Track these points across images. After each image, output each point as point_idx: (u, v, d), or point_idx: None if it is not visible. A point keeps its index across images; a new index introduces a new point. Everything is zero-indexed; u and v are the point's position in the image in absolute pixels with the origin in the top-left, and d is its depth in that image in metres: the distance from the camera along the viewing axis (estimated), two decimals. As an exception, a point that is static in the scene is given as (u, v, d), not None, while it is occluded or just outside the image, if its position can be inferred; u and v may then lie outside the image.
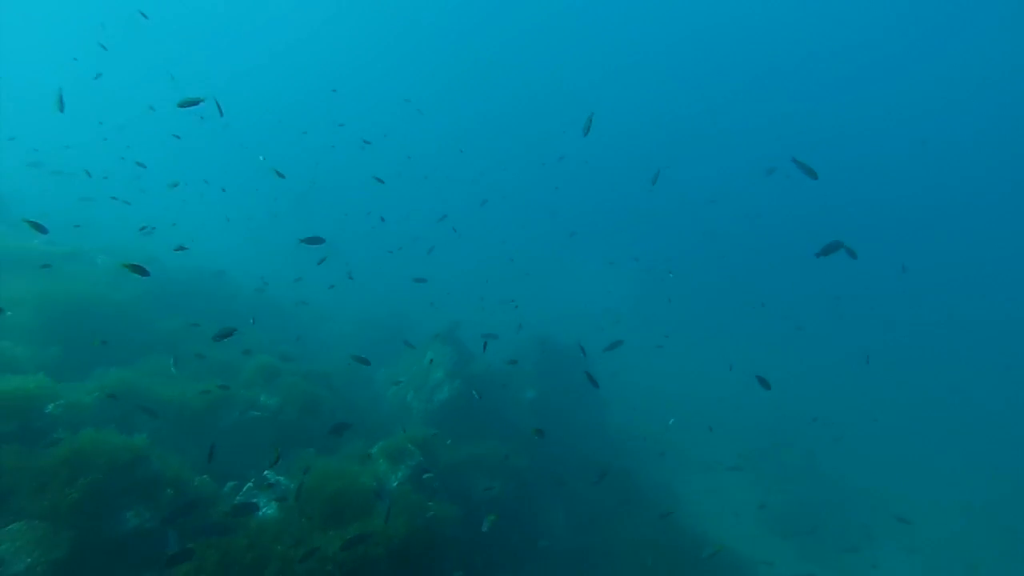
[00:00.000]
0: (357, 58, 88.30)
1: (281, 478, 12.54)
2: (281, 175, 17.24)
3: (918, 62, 60.65)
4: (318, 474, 11.85)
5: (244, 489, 11.95)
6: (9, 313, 15.01)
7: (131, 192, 30.59)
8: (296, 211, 60.89)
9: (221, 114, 13.90)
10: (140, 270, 9.93)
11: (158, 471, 9.96)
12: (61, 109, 13.50)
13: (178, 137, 28.36)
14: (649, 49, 71.87)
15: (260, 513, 10.91)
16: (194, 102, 11.82)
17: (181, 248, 14.76)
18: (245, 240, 48.55)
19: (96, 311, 16.78)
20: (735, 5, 62.92)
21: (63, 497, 8.60)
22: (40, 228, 10.26)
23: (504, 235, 65.10)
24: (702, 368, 43.21)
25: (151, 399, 13.46)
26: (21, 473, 9.02)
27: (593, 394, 28.39)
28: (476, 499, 15.94)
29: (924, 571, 25.64)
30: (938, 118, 66.27)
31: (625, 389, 33.20)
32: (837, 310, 66.50)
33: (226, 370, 16.93)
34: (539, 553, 17.59)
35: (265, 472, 12.49)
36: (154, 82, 68.52)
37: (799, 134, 73.31)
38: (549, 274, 63.21)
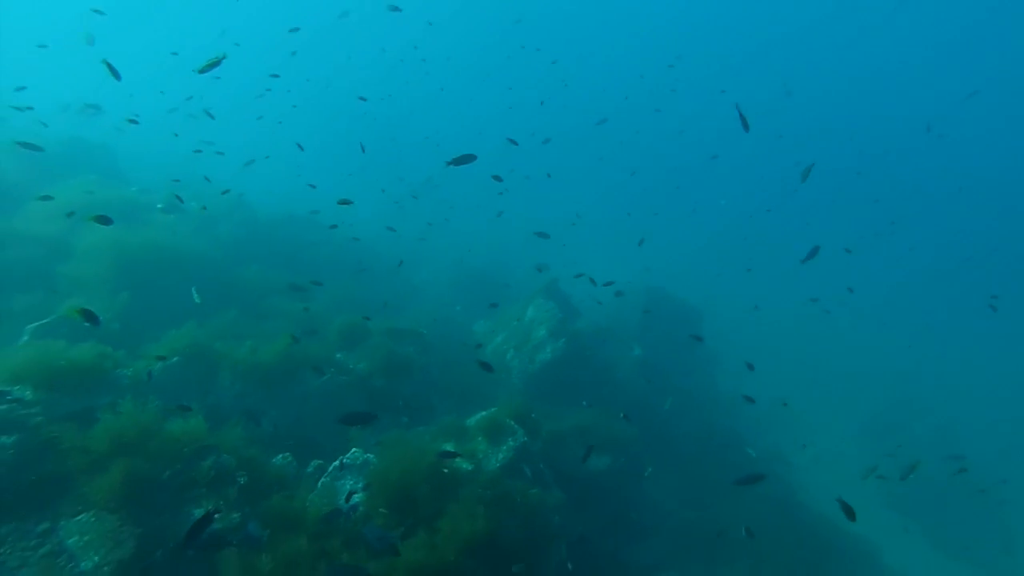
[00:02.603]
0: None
1: (370, 456, 11.13)
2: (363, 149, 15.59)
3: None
4: (399, 455, 10.23)
5: (329, 470, 10.63)
6: (84, 266, 14.34)
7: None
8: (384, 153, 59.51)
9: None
10: (104, 220, 9.15)
11: (227, 457, 8.61)
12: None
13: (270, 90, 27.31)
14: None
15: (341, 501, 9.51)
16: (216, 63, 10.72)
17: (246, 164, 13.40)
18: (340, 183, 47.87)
19: (176, 260, 15.88)
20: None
21: (105, 487, 7.41)
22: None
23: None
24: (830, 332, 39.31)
25: (226, 362, 12.34)
26: (75, 455, 7.92)
27: (701, 351, 26.00)
28: (582, 476, 14.22)
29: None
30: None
31: (736, 348, 30.28)
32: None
33: (311, 328, 15.74)
34: (649, 531, 15.86)
35: (353, 449, 11.12)
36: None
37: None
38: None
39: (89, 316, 8.74)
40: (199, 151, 23.80)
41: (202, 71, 10.90)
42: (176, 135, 15.50)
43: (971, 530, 23.79)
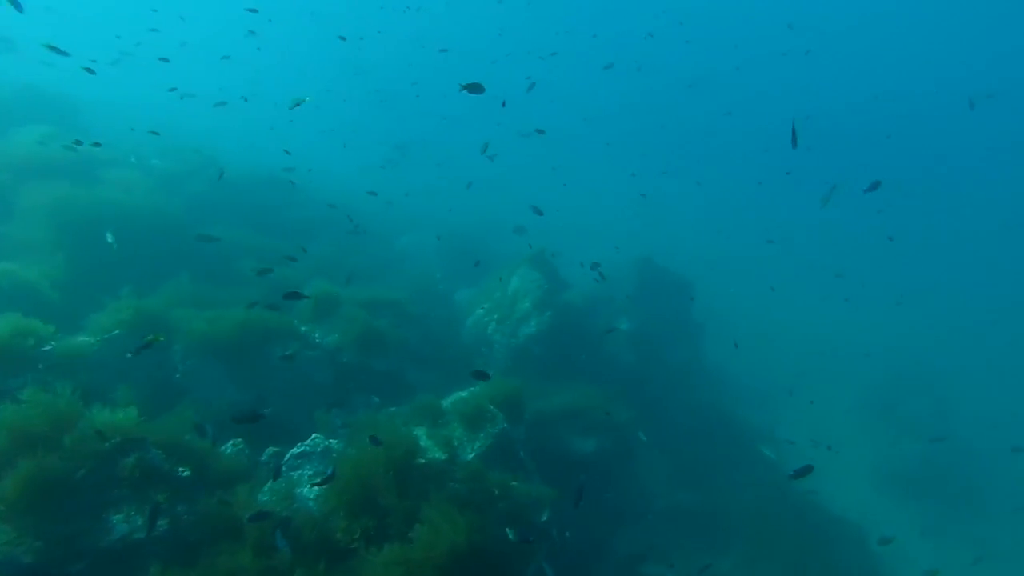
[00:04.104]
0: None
1: (333, 442, 10.07)
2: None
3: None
4: (363, 443, 9.15)
5: (286, 458, 9.55)
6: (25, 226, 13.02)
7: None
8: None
9: None
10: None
11: (156, 452, 7.45)
12: None
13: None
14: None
15: (296, 505, 8.44)
16: None
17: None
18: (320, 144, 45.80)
19: (132, 221, 14.52)
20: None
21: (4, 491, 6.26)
22: None
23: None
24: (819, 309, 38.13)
25: (179, 334, 11.16)
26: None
27: (692, 326, 25.06)
28: (568, 462, 13.27)
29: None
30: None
31: (728, 325, 29.08)
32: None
33: (277, 297, 14.54)
34: (637, 516, 15.03)
35: (313, 435, 10.04)
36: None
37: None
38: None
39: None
40: (174, 88, 21.94)
41: None
42: (89, 70, 13.51)
43: (954, 507, 23.26)
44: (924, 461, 24.00)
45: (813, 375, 28.29)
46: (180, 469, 7.65)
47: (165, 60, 15.24)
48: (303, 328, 13.33)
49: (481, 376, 10.20)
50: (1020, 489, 23.36)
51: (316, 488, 8.68)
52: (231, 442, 9.64)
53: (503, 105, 18.29)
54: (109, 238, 11.47)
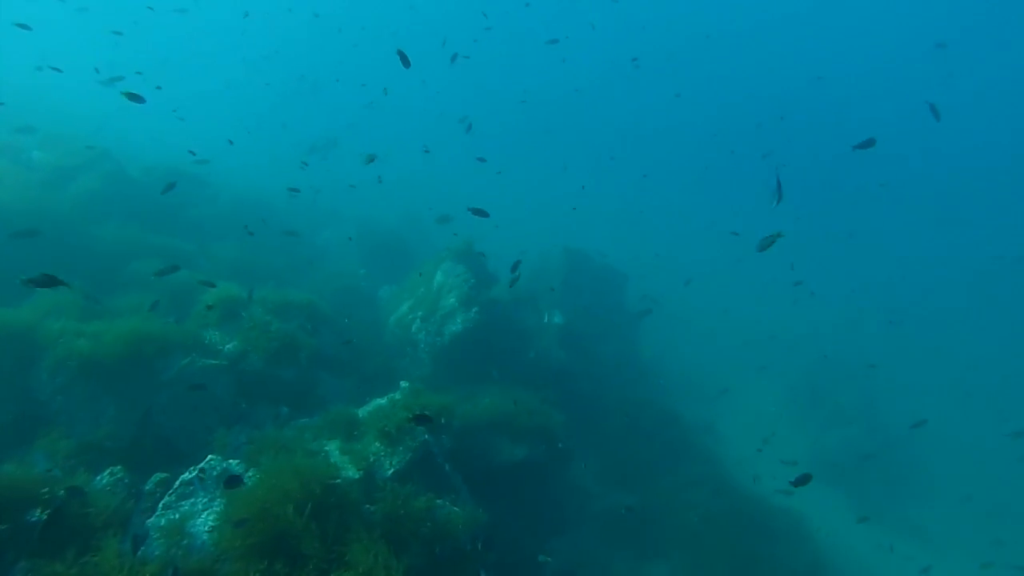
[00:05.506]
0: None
1: (233, 463, 8.97)
2: None
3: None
4: (267, 466, 8.23)
5: (175, 486, 8.39)
6: None
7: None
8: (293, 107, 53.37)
9: None
10: None
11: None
12: None
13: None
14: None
15: (186, 542, 7.37)
16: None
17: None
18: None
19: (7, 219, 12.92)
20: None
21: None
22: None
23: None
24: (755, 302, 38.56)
25: (53, 349, 9.79)
26: None
27: (624, 317, 24.79)
28: (497, 471, 12.51)
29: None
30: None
31: (660, 317, 28.84)
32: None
33: (177, 302, 13.23)
34: (571, 522, 14.43)
35: (209, 457, 8.90)
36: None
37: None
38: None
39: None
40: (46, 69, 19.66)
41: None
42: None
43: (889, 494, 23.80)
44: (859, 449, 24.42)
45: (763, 369, 28.49)
46: (28, 516, 6.47)
47: (25, 27, 13.59)
48: (203, 334, 12.07)
49: (423, 420, 9.14)
50: (950, 473, 24.39)
51: (212, 523, 7.65)
52: (108, 471, 8.42)
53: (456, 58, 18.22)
54: None
